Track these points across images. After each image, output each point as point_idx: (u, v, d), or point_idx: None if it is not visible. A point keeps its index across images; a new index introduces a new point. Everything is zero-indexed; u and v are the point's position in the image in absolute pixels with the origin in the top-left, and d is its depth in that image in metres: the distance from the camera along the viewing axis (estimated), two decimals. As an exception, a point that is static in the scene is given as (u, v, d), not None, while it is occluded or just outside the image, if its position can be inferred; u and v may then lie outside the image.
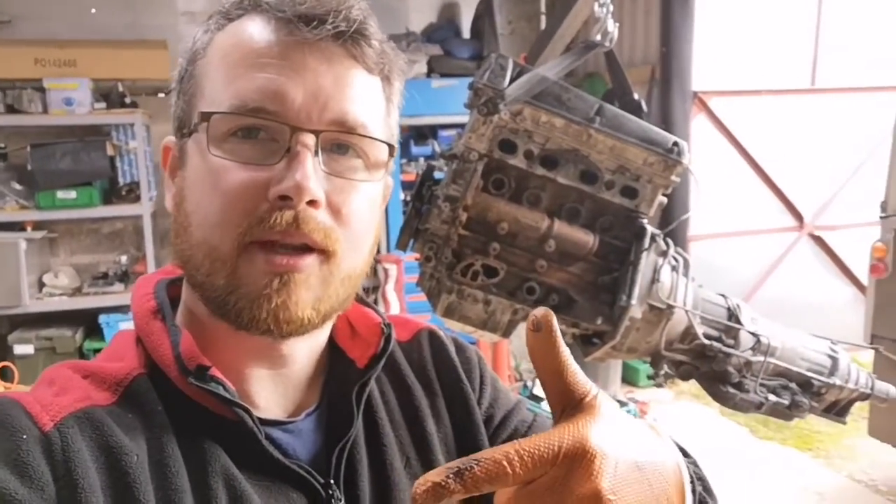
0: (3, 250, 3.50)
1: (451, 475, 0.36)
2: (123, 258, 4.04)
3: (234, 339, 0.55)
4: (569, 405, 0.41)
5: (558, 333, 0.41)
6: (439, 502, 0.36)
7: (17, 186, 3.64)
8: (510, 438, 0.69)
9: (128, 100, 3.77)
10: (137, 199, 3.74)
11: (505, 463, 0.37)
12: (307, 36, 0.52)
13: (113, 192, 3.79)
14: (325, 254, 0.53)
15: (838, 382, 0.86)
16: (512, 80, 0.79)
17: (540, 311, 0.41)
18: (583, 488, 0.38)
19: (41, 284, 3.78)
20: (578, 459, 0.38)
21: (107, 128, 3.76)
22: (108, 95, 3.74)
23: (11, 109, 3.59)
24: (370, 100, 0.56)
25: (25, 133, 3.71)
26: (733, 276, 4.27)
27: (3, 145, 3.73)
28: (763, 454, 3.41)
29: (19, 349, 3.59)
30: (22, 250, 3.52)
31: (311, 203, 0.52)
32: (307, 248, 0.53)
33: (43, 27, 3.88)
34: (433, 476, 0.36)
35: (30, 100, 3.58)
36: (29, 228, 3.68)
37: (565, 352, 0.41)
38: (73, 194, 3.62)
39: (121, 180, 3.80)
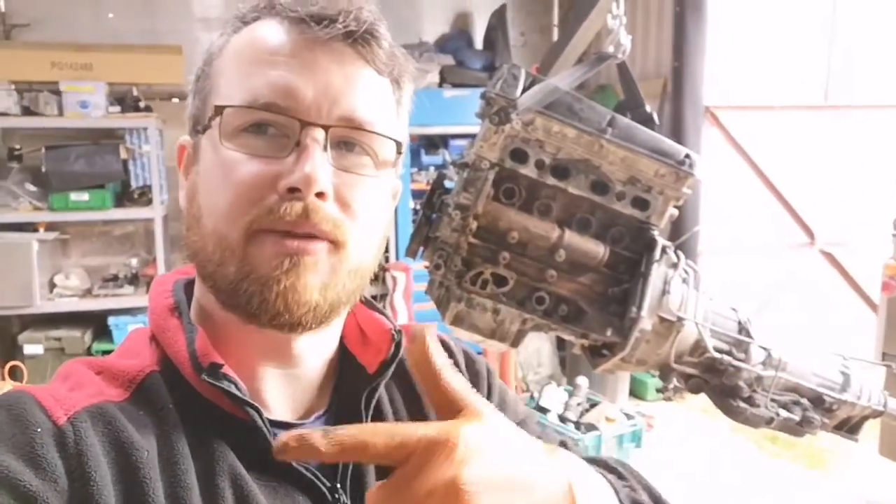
0: (15, 251, 3.54)
1: (319, 431, 0.37)
2: (134, 261, 4.06)
3: (245, 335, 0.56)
4: (448, 413, 0.40)
5: (433, 345, 0.40)
6: (301, 455, 0.37)
7: (31, 188, 3.67)
8: None
9: (142, 104, 3.80)
10: (149, 202, 3.76)
11: (368, 432, 0.38)
12: (318, 35, 0.54)
13: (125, 195, 3.83)
14: (335, 244, 0.54)
15: (850, 399, 0.85)
16: (524, 90, 0.79)
17: (419, 326, 0.42)
18: (439, 475, 0.36)
19: (52, 285, 3.81)
20: (440, 446, 0.37)
21: (121, 131, 3.79)
22: (123, 99, 3.78)
23: (27, 111, 3.63)
24: (379, 100, 0.57)
25: (41, 135, 3.75)
26: (743, 291, 4.24)
27: (18, 147, 3.77)
28: (771, 472, 3.38)
29: (29, 349, 3.62)
30: (34, 251, 3.55)
31: (320, 195, 0.52)
32: (315, 237, 0.53)
33: (60, 31, 3.92)
34: (302, 432, 0.38)
35: (46, 102, 3.62)
36: (41, 229, 3.71)
37: (440, 362, 0.40)
38: (85, 196, 3.65)
39: (133, 183, 3.83)
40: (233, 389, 0.53)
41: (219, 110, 0.54)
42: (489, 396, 0.71)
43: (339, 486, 0.57)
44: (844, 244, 4.65)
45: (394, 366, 0.62)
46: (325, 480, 0.56)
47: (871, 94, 4.59)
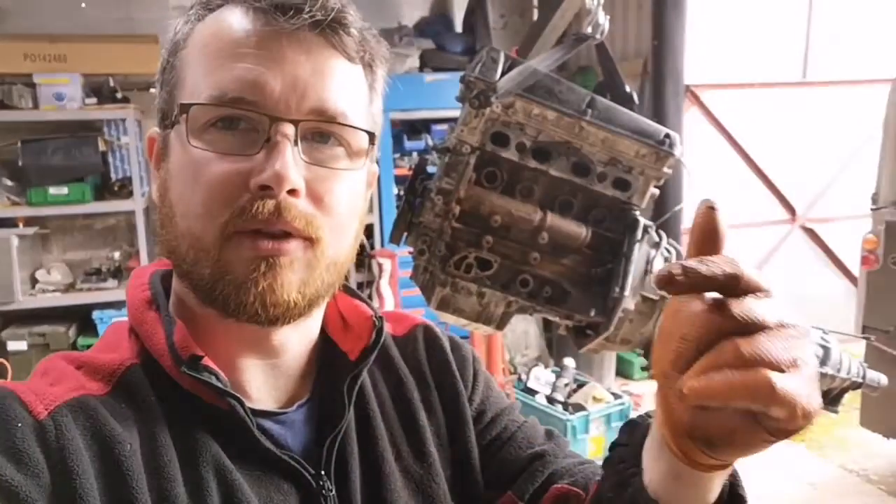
0: (-6, 247, 3.49)
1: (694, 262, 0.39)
2: (116, 254, 4.02)
3: (225, 328, 0.56)
4: None
5: (723, 216, 0.42)
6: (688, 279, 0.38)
7: (8, 182, 3.62)
8: (500, 437, 0.69)
9: (119, 95, 3.75)
10: (130, 194, 3.72)
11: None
12: (284, 26, 0.53)
13: (105, 188, 3.78)
14: (309, 240, 0.54)
15: (830, 372, 0.87)
16: (503, 73, 0.79)
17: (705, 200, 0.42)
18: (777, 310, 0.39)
19: (34, 281, 3.76)
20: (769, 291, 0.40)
21: (98, 123, 3.74)
22: (100, 90, 3.72)
23: (2, 105, 3.56)
24: (350, 88, 0.56)
25: (16, 129, 3.68)
26: (726, 268, 4.27)
27: (-7, 141, 3.71)
28: (756, 445, 3.43)
29: (13, 345, 3.58)
30: (14, 247, 3.51)
31: (292, 192, 0.52)
32: (290, 235, 0.53)
33: (33, 22, 3.85)
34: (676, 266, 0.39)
35: (20, 95, 3.55)
36: (21, 225, 3.66)
37: (725, 235, 0.43)
38: (64, 190, 3.60)
39: (113, 176, 3.78)
40: (213, 381, 0.53)
41: (185, 108, 0.53)
42: (475, 382, 0.71)
43: (323, 473, 0.57)
44: (825, 220, 4.71)
45: (375, 352, 0.62)
46: (309, 468, 0.57)
47: (849, 70, 4.63)
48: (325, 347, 0.64)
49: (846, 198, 4.55)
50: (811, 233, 4.75)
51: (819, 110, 4.59)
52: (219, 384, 0.53)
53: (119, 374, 0.54)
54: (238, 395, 0.54)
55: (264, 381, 0.59)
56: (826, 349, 0.94)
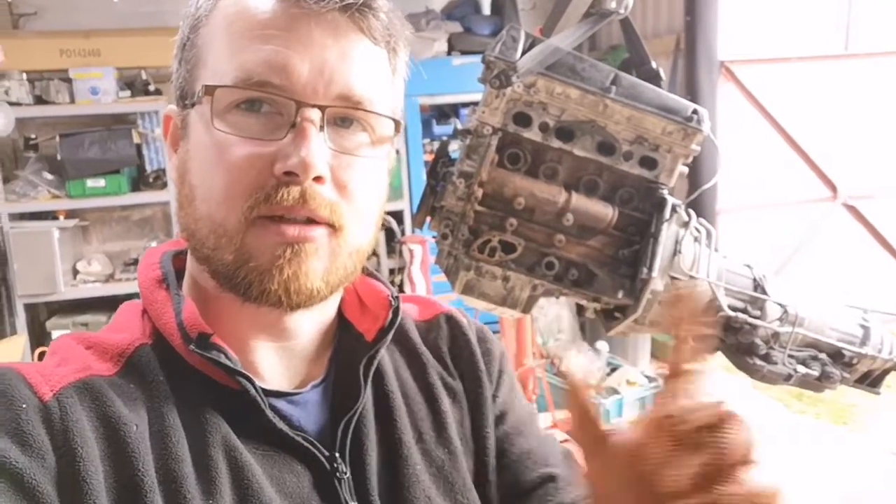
0: (37, 239, 3.59)
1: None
2: (153, 244, 4.10)
3: (239, 310, 0.55)
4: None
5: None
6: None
7: (49, 176, 3.71)
8: (519, 445, 0.67)
9: (152, 87, 3.80)
10: (165, 185, 3.79)
11: None
12: (314, 7, 0.52)
13: (141, 180, 3.85)
14: (332, 228, 0.53)
15: (871, 352, 0.84)
16: (524, 52, 0.77)
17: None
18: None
19: (75, 272, 3.86)
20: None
21: (132, 116, 3.80)
22: (133, 84, 3.78)
23: (40, 100, 3.65)
24: (376, 73, 0.55)
25: (54, 123, 3.78)
26: (766, 248, 4.18)
27: (33, 136, 3.80)
28: (798, 428, 3.37)
29: (57, 335, 3.68)
30: (55, 239, 3.60)
31: (317, 179, 0.51)
32: (314, 222, 0.52)
33: (67, 18, 3.92)
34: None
35: (57, 90, 3.63)
36: (61, 217, 3.76)
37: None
38: (102, 182, 3.68)
39: (148, 167, 3.85)
40: (222, 359, 0.52)
41: (210, 90, 0.52)
42: (500, 380, 0.69)
43: (337, 455, 0.57)
44: (868, 197, 4.56)
45: (392, 332, 0.61)
46: (323, 450, 0.56)
47: (894, 41, 4.45)
48: (342, 328, 0.64)
49: (891, 173, 4.39)
50: (854, 210, 4.60)
51: (862, 83, 4.43)
52: (227, 362, 0.53)
53: (128, 355, 0.54)
54: (248, 374, 0.53)
55: (277, 362, 0.59)
56: (866, 329, 0.91)
